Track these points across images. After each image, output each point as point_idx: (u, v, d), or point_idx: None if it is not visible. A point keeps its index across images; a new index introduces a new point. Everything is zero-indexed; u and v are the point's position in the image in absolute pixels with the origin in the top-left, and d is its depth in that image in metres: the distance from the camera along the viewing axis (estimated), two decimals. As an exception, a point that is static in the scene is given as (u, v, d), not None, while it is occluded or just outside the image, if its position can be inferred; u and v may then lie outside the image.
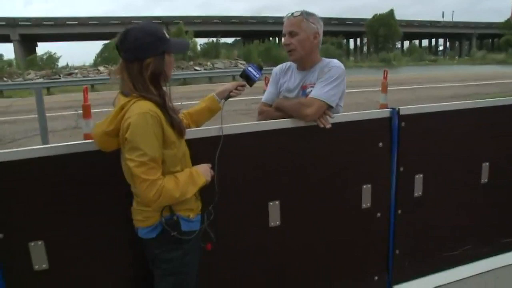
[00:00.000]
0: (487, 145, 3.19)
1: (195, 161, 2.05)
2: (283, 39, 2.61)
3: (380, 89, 12.03)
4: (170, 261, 1.94)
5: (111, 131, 1.81)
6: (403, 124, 2.79)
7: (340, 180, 2.71)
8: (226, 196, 2.21)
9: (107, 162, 2.12)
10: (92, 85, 23.91)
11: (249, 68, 2.35)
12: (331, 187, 2.69)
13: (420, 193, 2.97)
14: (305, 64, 2.64)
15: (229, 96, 2.29)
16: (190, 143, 2.07)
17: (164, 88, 1.89)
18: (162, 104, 1.81)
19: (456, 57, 68.01)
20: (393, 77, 25.00)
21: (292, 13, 2.55)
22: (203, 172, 1.95)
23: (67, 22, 51.42)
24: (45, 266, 2.18)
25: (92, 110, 9.24)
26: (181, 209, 1.92)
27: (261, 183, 2.49)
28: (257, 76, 2.35)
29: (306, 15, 2.53)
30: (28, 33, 50.27)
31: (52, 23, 50.50)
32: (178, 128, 1.87)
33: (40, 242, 2.15)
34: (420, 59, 57.78)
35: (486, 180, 3.22)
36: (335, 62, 2.60)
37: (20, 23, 49.41)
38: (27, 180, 2.09)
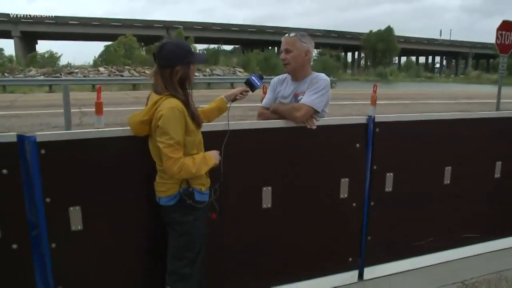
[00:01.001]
0: (450, 151, 3.75)
1: (207, 148, 2.59)
2: (281, 55, 3.18)
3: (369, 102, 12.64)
4: (184, 223, 2.48)
5: (145, 120, 2.37)
6: (377, 129, 3.35)
7: (322, 173, 3.26)
8: (229, 179, 2.74)
9: (134, 146, 2.67)
10: (93, 85, 24.42)
11: (252, 77, 2.89)
12: (315, 178, 3.24)
13: (390, 189, 3.53)
14: (298, 76, 3.21)
15: (235, 99, 2.83)
16: (204, 134, 2.60)
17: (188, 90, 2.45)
18: (186, 101, 2.37)
19: (452, 75, 69.02)
20: (388, 91, 25.71)
21: (289, 34, 3.13)
22: (214, 156, 2.51)
23: (68, 22, 51.79)
24: (80, 227, 2.71)
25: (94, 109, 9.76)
26: (195, 183, 2.46)
27: (257, 171, 3.05)
28: (259, 84, 2.89)
29: (300, 36, 3.11)
30: (29, 30, 50.63)
31: (54, 21, 50.80)
32: (197, 121, 2.43)
33: (77, 207, 2.68)
34: (416, 76, 58.59)
35: (448, 181, 3.78)
36: (322, 75, 3.17)
37: (22, 20, 49.77)
38: (71, 156, 2.63)
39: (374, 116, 3.36)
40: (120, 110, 12.85)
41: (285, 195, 3.15)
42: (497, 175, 4.04)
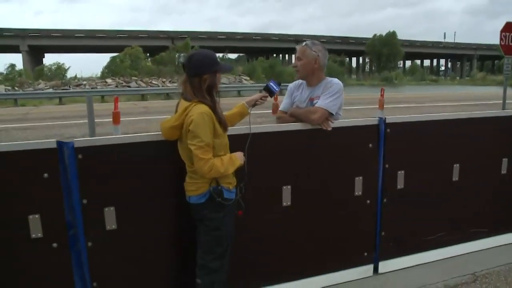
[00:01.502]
0: (457, 149, 3.93)
1: (232, 150, 2.79)
2: (293, 62, 3.41)
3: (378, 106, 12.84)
4: (214, 219, 2.68)
5: (177, 125, 2.58)
6: (388, 130, 3.55)
7: (338, 172, 3.46)
8: (252, 178, 2.94)
9: (163, 150, 2.89)
10: (103, 96, 24.75)
11: (271, 83, 3.09)
12: (331, 177, 3.44)
13: (402, 186, 3.72)
14: (311, 82, 3.42)
15: (255, 104, 3.04)
16: (228, 137, 2.81)
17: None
18: (213, 107, 2.58)
19: (457, 77, 69.02)
20: (394, 95, 25.85)
21: (302, 44, 3.35)
22: (239, 157, 2.72)
23: (75, 34, 52.48)
24: (114, 227, 2.91)
25: (106, 120, 10.07)
26: (224, 182, 2.67)
27: (278, 171, 3.26)
28: (277, 89, 3.10)
29: (311, 45, 3.33)
30: (36, 44, 51.32)
31: (60, 34, 51.53)
32: (224, 124, 2.64)
33: (112, 208, 2.89)
34: (421, 79, 58.70)
35: (457, 178, 3.96)
36: (336, 80, 3.37)
37: (29, 34, 50.48)
38: (105, 160, 2.84)
39: (385, 118, 3.56)
40: (131, 120, 13.12)
41: (303, 193, 3.35)
42: (504, 171, 4.21)
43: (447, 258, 4.03)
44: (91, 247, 2.89)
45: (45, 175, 2.75)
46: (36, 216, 2.76)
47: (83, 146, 2.80)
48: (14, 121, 14.68)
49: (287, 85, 3.68)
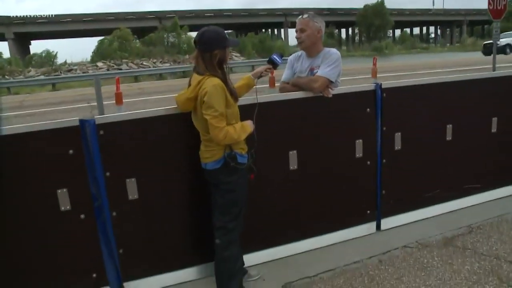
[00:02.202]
0: (450, 111, 4.16)
1: (241, 119, 3.00)
2: (295, 34, 3.59)
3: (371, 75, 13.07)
4: (229, 183, 2.91)
5: (191, 97, 2.79)
6: (384, 95, 3.77)
7: (339, 136, 3.70)
8: (260, 145, 3.16)
9: (178, 122, 3.11)
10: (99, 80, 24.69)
11: (274, 56, 3.27)
12: (333, 140, 3.68)
13: (399, 147, 3.96)
14: (311, 52, 3.61)
15: (260, 76, 3.23)
16: (238, 108, 3.02)
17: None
18: (225, 80, 2.78)
19: (448, 44, 69.03)
20: (386, 65, 26.00)
21: (302, 16, 3.53)
22: (249, 125, 2.94)
23: (61, 20, 51.72)
24: (136, 196, 3.15)
25: (105, 102, 10.27)
26: (237, 148, 2.89)
27: (284, 137, 3.49)
28: (280, 61, 3.27)
29: (312, 17, 3.51)
30: (22, 31, 50.67)
31: (46, 20, 50.79)
32: (235, 95, 2.85)
33: (133, 179, 3.12)
34: (411, 47, 58.73)
35: (450, 138, 4.21)
36: (334, 50, 3.58)
37: (14, 21, 49.77)
38: (125, 134, 3.06)
39: (380, 83, 3.78)
40: (130, 101, 13.22)
41: (308, 157, 3.59)
42: (494, 130, 4.46)
43: (444, 213, 4.30)
44: (115, 217, 3.14)
45: (70, 151, 2.97)
46: (64, 190, 3.00)
47: (104, 123, 3.02)
48: (12, 109, 14.75)
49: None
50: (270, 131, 3.35)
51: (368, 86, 3.77)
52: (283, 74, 3.81)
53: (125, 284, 3.24)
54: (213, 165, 2.90)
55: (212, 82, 2.71)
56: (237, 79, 3.25)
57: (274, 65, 3.27)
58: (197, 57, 2.83)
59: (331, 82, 3.49)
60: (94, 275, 3.15)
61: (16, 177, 2.88)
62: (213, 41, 2.77)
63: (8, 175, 2.86)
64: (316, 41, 3.57)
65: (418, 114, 4.01)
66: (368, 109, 3.77)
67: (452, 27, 79.66)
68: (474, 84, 4.28)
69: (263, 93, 3.27)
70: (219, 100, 2.70)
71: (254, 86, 3.21)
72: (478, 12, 72.02)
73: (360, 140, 3.77)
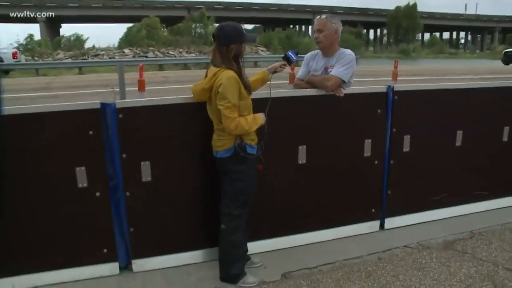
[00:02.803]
0: (461, 117, 4.23)
1: (254, 112, 3.12)
2: (314, 34, 3.71)
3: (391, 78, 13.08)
4: (238, 172, 3.06)
5: (207, 88, 2.95)
6: (396, 97, 3.86)
7: (349, 134, 3.81)
8: (271, 138, 3.28)
9: (193, 111, 3.26)
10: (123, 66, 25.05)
11: (289, 53, 3.39)
12: (342, 138, 3.79)
13: (408, 149, 4.05)
14: (328, 52, 3.73)
15: (275, 71, 3.35)
16: (252, 100, 3.14)
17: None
18: (239, 73, 2.93)
19: (477, 50, 67.82)
20: (410, 68, 25.80)
21: (320, 16, 3.65)
22: (261, 117, 3.07)
23: (91, 5, 52.47)
24: (149, 178, 3.32)
25: (128, 88, 10.53)
26: (247, 139, 3.03)
27: (294, 132, 3.62)
28: (295, 58, 3.39)
29: (330, 18, 3.63)
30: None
31: (77, 5, 51.59)
32: (248, 88, 2.99)
33: (147, 162, 3.29)
34: (439, 52, 57.86)
35: (460, 143, 4.27)
36: (348, 51, 3.69)
37: (46, 4, 50.67)
38: (143, 119, 3.23)
39: (393, 86, 3.87)
40: (152, 89, 13.45)
41: (317, 153, 3.70)
42: (505, 138, 4.50)
43: (449, 217, 4.37)
44: (129, 197, 3.31)
45: (90, 132, 3.15)
46: (82, 168, 3.19)
47: (124, 107, 3.19)
48: (39, 89, 15.17)
49: (303, 56, 3.99)
50: (282, 125, 3.48)
51: (380, 88, 3.87)
52: (299, 71, 3.93)
53: (133, 261, 3.42)
54: (223, 154, 3.05)
55: (227, 74, 2.85)
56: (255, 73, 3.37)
57: (289, 61, 3.38)
58: (214, 51, 2.98)
59: (344, 82, 3.60)
60: (105, 250, 3.34)
61: (38, 153, 3.08)
62: (230, 36, 2.91)
63: (31, 151, 3.06)
64: (333, 42, 3.69)
65: (428, 118, 4.08)
66: (379, 110, 3.86)
67: (484, 34, 78.23)
68: (486, 92, 4.34)
69: (282, 89, 3.39)
70: (232, 92, 2.84)
71: (269, 81, 3.33)
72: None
73: (369, 140, 3.87)
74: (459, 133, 4.25)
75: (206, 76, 3.03)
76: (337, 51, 3.70)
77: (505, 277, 3.34)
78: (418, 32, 65.62)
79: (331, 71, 3.63)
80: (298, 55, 3.45)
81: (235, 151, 3.01)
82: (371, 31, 77.47)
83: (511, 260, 3.60)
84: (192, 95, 3.16)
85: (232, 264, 3.22)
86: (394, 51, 53.56)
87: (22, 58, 27.17)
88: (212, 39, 3.00)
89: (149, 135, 3.27)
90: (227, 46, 2.91)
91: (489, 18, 73.71)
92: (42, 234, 3.19)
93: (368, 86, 3.91)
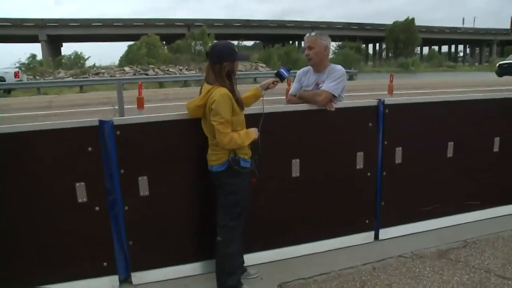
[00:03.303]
0: (452, 128, 4.33)
1: (248, 127, 3.23)
2: (305, 51, 3.83)
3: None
4: (232, 185, 3.15)
5: (201, 104, 3.06)
6: (386, 110, 3.97)
7: (341, 147, 3.91)
8: (265, 152, 3.38)
9: (189, 127, 3.37)
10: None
11: (281, 70, 3.49)
12: (335, 151, 3.89)
13: (400, 161, 4.14)
14: (318, 68, 3.85)
15: (268, 88, 3.46)
16: (245, 116, 3.25)
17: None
18: (232, 90, 3.04)
19: (476, 63, 68.10)
20: (408, 82, 25.96)
21: (310, 34, 3.78)
22: (253, 132, 3.18)
23: (92, 24, 52.98)
24: (147, 193, 3.41)
25: (127, 106, 10.68)
26: (240, 153, 3.13)
27: (288, 146, 3.72)
28: (287, 75, 3.49)
29: (319, 35, 3.75)
30: (55, 33, 52.10)
31: (78, 24, 52.11)
32: (241, 104, 3.11)
33: (145, 177, 3.39)
34: (438, 65, 58.11)
35: (451, 154, 4.37)
36: (338, 66, 3.81)
37: (48, 24, 51.25)
38: (140, 136, 3.34)
39: (383, 100, 3.98)
40: (152, 106, 13.60)
41: (311, 166, 3.80)
42: (496, 149, 4.60)
43: (443, 227, 4.45)
44: (127, 211, 3.41)
45: (89, 148, 3.26)
46: (82, 183, 3.28)
47: (121, 124, 3.31)
48: (40, 108, 15.32)
49: (296, 72, 4.12)
50: (275, 139, 3.58)
51: (371, 101, 3.98)
52: (291, 87, 4.05)
53: (132, 274, 3.50)
54: (218, 168, 3.15)
55: (220, 92, 2.97)
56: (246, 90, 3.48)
57: (281, 78, 3.48)
58: (208, 69, 3.10)
59: (334, 96, 3.71)
60: (105, 263, 3.43)
61: (39, 169, 3.18)
62: (223, 54, 3.04)
63: (32, 168, 3.17)
64: (323, 58, 3.81)
65: (419, 130, 4.18)
66: (370, 124, 3.97)
67: (482, 46, 78.66)
68: (476, 104, 4.44)
69: (278, 104, 3.48)
70: (225, 108, 2.95)
71: (262, 98, 3.44)
72: (509, 32, 70.88)
73: (361, 152, 3.97)
74: (451, 144, 4.34)
75: (200, 93, 3.15)
76: (328, 66, 3.82)
77: (496, 284, 3.41)
78: (416, 46, 65.98)
79: (322, 86, 3.74)
80: (291, 71, 3.56)
81: (229, 165, 3.11)
82: (370, 46, 77.95)
83: (503, 267, 3.67)
84: (187, 112, 3.27)
85: (229, 276, 3.30)
86: (393, 65, 53.83)
87: (24, 78, 27.47)
88: (206, 57, 3.12)
89: (146, 151, 3.37)
90: (220, 64, 3.03)
91: (487, 31, 74.16)
92: (43, 248, 3.29)
93: (362, 100, 4.02)
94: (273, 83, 3.45)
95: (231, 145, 3.01)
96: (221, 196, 3.24)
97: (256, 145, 3.24)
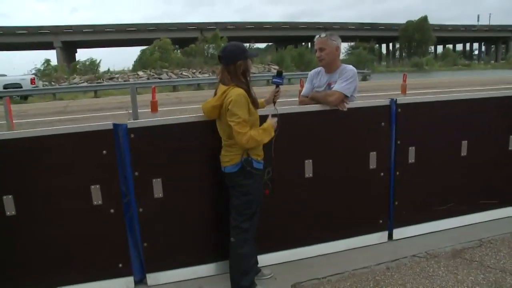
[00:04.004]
0: (466, 127, 4.30)
1: (259, 128, 3.26)
2: (316, 53, 3.83)
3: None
4: (245, 186, 3.17)
5: (217, 105, 3.08)
6: (399, 110, 3.96)
7: (354, 147, 3.90)
8: (278, 153, 3.40)
9: (202, 129, 3.41)
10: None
11: (274, 79, 3.39)
12: (348, 151, 3.89)
13: (413, 161, 4.13)
14: (330, 69, 3.86)
15: (273, 101, 3.42)
16: (261, 117, 3.24)
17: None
18: (248, 90, 3.08)
19: (492, 61, 67.29)
20: (422, 81, 25.79)
21: (320, 35, 3.79)
22: (272, 124, 3.19)
23: (105, 29, 53.56)
24: (161, 195, 3.45)
25: (141, 110, 10.79)
26: (253, 154, 3.16)
27: (301, 146, 3.74)
28: (280, 81, 3.41)
29: (330, 36, 3.77)
30: (69, 40, 52.76)
31: (92, 30, 52.69)
32: (256, 104, 3.16)
33: (159, 179, 3.43)
34: (453, 64, 57.56)
35: (465, 153, 4.34)
36: (350, 66, 3.82)
37: (63, 30, 51.92)
38: (154, 138, 3.38)
39: (396, 99, 3.98)
40: (166, 110, 13.71)
41: (323, 166, 3.81)
42: (511, 147, 4.55)
43: (457, 227, 4.42)
44: (142, 213, 3.45)
45: (104, 151, 3.31)
46: (97, 186, 3.34)
47: (135, 127, 3.35)
48: (56, 113, 15.55)
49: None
50: (288, 140, 3.59)
51: (384, 101, 3.97)
52: (303, 88, 4.06)
53: (147, 275, 3.54)
54: (231, 169, 3.18)
55: (237, 92, 3.01)
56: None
57: (277, 85, 3.40)
58: (222, 71, 3.14)
59: (346, 96, 3.72)
60: (120, 265, 3.47)
61: (55, 172, 3.24)
62: (235, 54, 3.09)
63: (48, 171, 3.23)
64: (335, 58, 3.82)
65: (432, 130, 4.16)
66: (383, 123, 3.96)
67: (498, 44, 77.63)
68: (489, 102, 4.40)
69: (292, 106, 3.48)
70: (242, 108, 2.99)
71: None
72: (526, 28, 69.84)
73: (374, 152, 3.96)
74: (464, 143, 4.32)
75: (215, 94, 3.18)
76: (339, 67, 3.83)
77: (512, 284, 3.38)
78: (430, 44, 65.48)
79: (333, 86, 3.75)
80: (283, 75, 3.46)
81: (242, 166, 3.13)
82: (383, 46, 77.46)
83: (519, 267, 3.64)
84: (202, 113, 3.30)
85: (242, 276, 3.32)
86: (407, 64, 53.46)
87: (40, 84, 27.85)
88: (219, 60, 3.15)
89: (160, 153, 3.41)
90: (234, 64, 3.07)
91: (503, 28, 73.14)
92: (59, 250, 3.34)
93: (375, 100, 4.01)
94: (275, 95, 3.43)
95: (250, 143, 3.03)
96: (234, 197, 3.26)
97: (269, 155, 3.30)
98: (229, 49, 3.12)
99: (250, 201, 3.23)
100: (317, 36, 3.83)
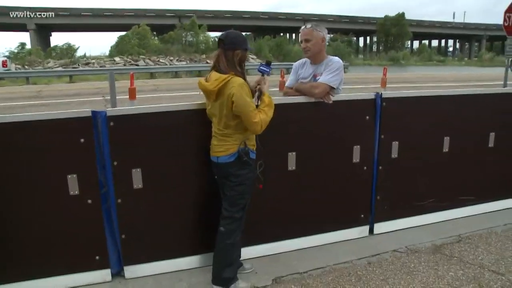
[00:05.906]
0: (448, 123, 4.30)
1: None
2: (301, 44, 3.76)
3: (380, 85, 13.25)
4: (240, 176, 3.10)
5: (215, 90, 2.96)
6: (384, 104, 3.93)
7: (337, 140, 3.86)
8: (262, 145, 3.34)
9: (184, 118, 3.31)
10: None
11: (261, 67, 3.25)
12: (331, 145, 3.84)
13: (396, 155, 4.11)
14: (316, 60, 3.78)
15: (257, 91, 3.17)
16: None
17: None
18: (245, 79, 3.01)
19: (465, 58, 68.52)
20: (399, 75, 26.04)
21: (306, 26, 3.71)
22: (270, 97, 3.17)
23: (82, 13, 52.34)
24: (140, 186, 3.35)
25: (119, 97, 10.58)
26: (249, 144, 3.12)
27: (284, 139, 3.67)
28: (267, 70, 3.27)
29: (315, 26, 3.69)
30: (44, 23, 51.37)
31: (68, 13, 51.42)
32: (252, 92, 3.10)
33: (138, 169, 3.32)
34: (428, 59, 58.40)
35: (447, 150, 4.35)
36: (336, 58, 3.76)
37: (37, 12, 50.51)
38: (134, 127, 3.26)
39: (381, 93, 3.94)
40: (143, 97, 13.47)
41: (307, 159, 3.76)
42: (491, 144, 4.59)
43: (437, 222, 4.44)
44: (120, 204, 3.33)
45: (82, 140, 3.18)
46: (74, 175, 3.21)
47: (114, 115, 3.23)
48: (30, 98, 15.15)
49: (292, 64, 4.04)
50: (271, 132, 3.50)
51: (369, 94, 3.94)
52: (288, 79, 3.99)
53: (125, 268, 3.44)
54: (226, 159, 3.10)
55: (238, 82, 2.94)
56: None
57: (263, 74, 3.24)
58: (219, 55, 3.04)
59: (332, 88, 3.66)
60: (97, 257, 3.36)
61: (30, 160, 3.10)
62: (238, 41, 3.04)
63: (22, 159, 3.09)
64: (321, 49, 3.75)
65: (416, 125, 4.15)
66: (367, 117, 3.93)
67: (471, 41, 79.05)
68: (472, 99, 4.42)
69: (274, 97, 3.42)
70: (248, 97, 2.98)
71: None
72: (499, 27, 70.93)
73: (358, 146, 3.93)
74: (446, 139, 4.32)
75: (206, 80, 3.09)
76: (325, 58, 3.77)
77: (490, 279, 3.40)
78: (407, 39, 66.29)
79: (319, 78, 3.69)
80: (271, 64, 3.34)
81: (238, 156, 3.07)
82: (361, 39, 77.98)
83: (496, 262, 3.67)
84: (184, 102, 3.21)
85: (225, 268, 3.24)
86: (384, 58, 53.99)
87: (12, 67, 27.11)
88: (218, 45, 3.09)
89: (140, 143, 3.30)
90: (233, 50, 3.00)
91: (477, 26, 74.52)
92: (34, 242, 3.21)
93: (356, 93, 3.97)
94: (257, 86, 3.21)
95: (263, 127, 3.05)
96: (226, 187, 3.19)
97: (260, 150, 3.30)
98: (232, 35, 3.06)
99: (244, 191, 3.17)
100: (302, 27, 3.76)
